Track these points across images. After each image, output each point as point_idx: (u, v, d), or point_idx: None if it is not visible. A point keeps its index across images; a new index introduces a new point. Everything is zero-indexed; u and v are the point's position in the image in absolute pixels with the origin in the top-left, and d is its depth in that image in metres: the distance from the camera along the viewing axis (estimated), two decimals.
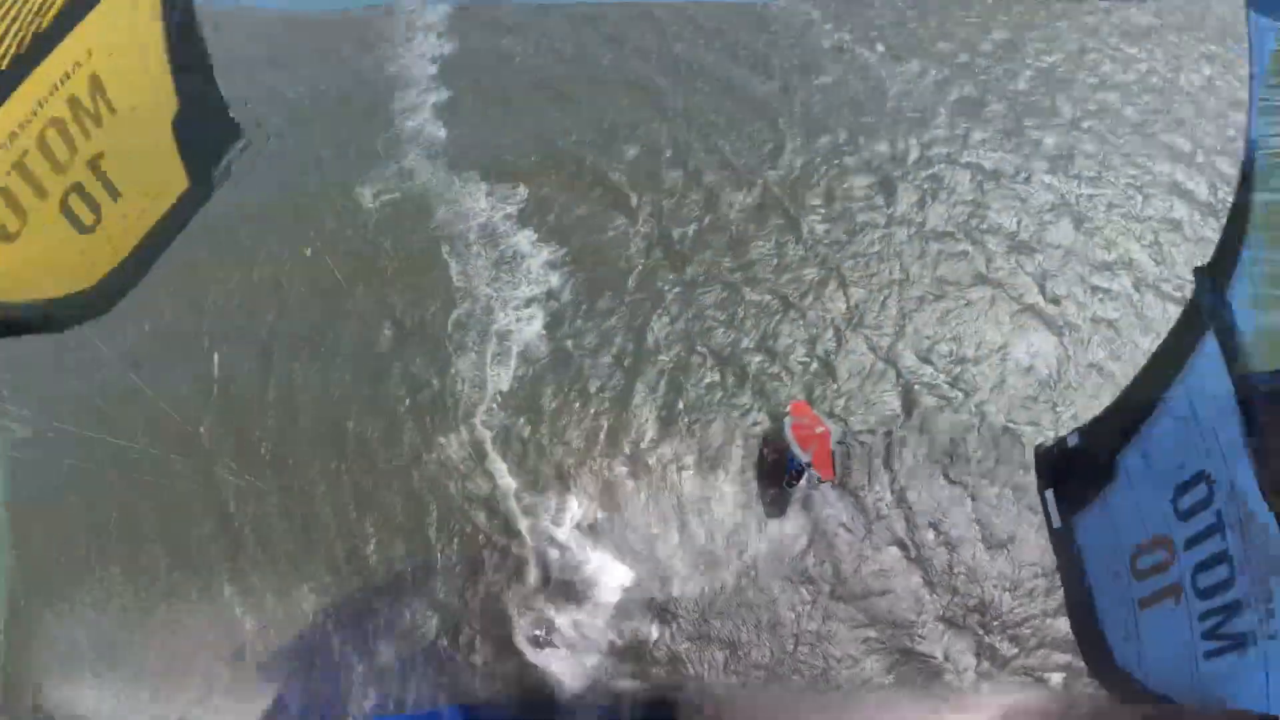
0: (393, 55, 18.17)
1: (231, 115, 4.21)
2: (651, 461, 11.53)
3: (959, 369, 12.16)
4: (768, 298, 12.99)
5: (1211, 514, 2.76)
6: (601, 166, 15.21)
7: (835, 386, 12.04)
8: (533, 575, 10.85)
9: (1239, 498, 2.60)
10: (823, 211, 14.03)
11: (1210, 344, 2.67)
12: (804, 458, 10.35)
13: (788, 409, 11.31)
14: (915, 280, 13.15)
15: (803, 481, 10.90)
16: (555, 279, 13.62)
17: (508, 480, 11.64)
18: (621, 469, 11.51)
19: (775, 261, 13.45)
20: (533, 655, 10.29)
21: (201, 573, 11.40)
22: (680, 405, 11.97)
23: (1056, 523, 3.74)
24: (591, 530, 11.13)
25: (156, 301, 13.31)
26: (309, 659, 10.74)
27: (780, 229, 13.89)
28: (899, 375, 12.06)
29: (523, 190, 14.99)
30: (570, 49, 17.69)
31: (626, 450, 11.64)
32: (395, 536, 11.46)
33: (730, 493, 11.31)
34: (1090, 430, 3.65)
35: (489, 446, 11.99)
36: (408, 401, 12.64)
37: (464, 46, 18.14)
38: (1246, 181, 2.52)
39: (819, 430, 10.72)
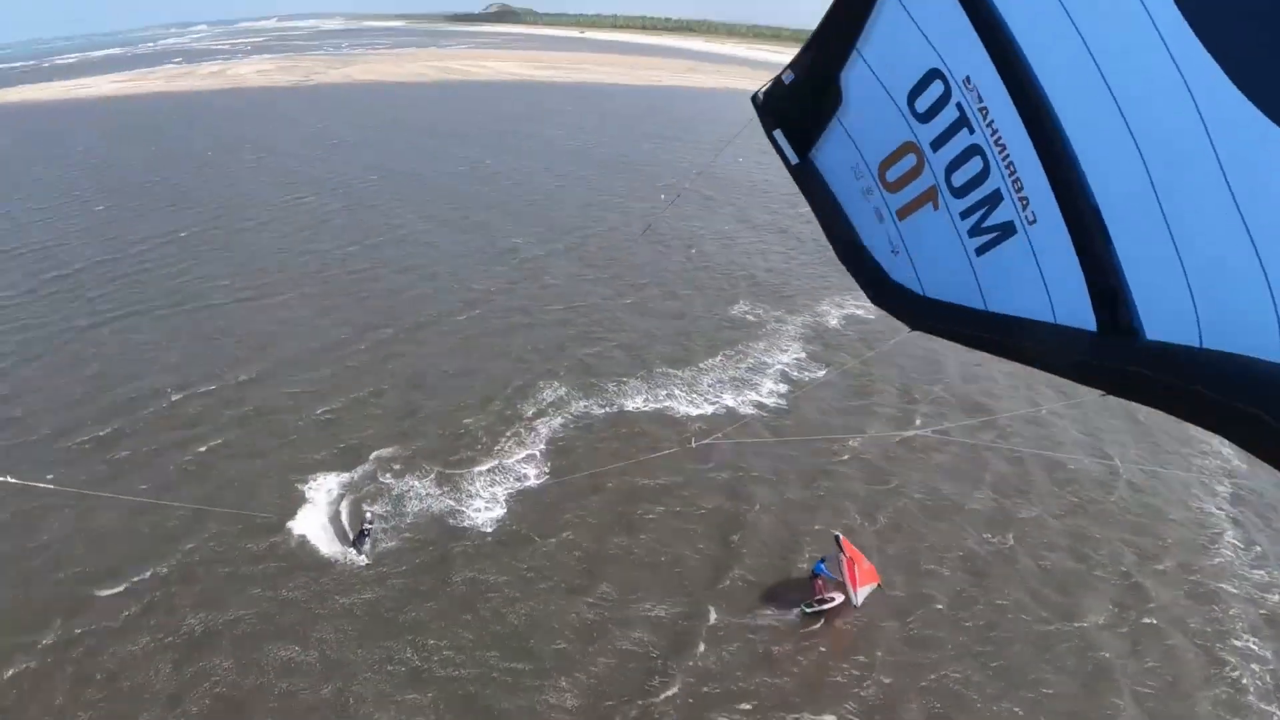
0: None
1: None
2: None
3: None
4: None
5: (952, 109, 2.63)
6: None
7: None
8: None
9: (975, 87, 2.48)
10: None
11: None
12: (842, 552, 10.23)
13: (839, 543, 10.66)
14: None
15: (823, 606, 10.76)
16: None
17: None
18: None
19: None
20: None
21: None
22: None
23: (794, 159, 3.58)
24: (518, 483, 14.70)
25: None
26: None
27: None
28: None
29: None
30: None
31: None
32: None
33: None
34: (802, 60, 3.45)
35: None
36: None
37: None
38: None
39: (863, 566, 10.45)
